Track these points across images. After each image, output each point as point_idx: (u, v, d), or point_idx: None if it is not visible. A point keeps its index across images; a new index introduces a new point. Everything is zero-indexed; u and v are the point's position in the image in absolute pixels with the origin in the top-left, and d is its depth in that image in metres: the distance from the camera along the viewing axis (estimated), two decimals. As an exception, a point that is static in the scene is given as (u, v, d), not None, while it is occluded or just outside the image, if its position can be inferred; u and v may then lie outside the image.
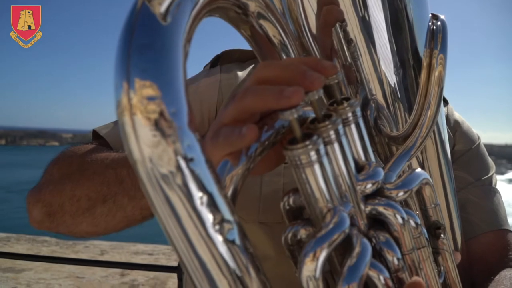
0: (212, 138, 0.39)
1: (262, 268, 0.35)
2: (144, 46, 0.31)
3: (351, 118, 0.41)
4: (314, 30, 0.53)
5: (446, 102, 0.91)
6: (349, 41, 0.52)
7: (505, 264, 0.72)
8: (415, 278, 0.37)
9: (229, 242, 0.32)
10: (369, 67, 0.53)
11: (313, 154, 0.36)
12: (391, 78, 0.54)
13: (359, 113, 0.42)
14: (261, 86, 0.38)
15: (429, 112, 0.52)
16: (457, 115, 0.90)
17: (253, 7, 0.43)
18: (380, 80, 0.53)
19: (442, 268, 0.49)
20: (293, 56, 0.52)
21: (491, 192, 0.81)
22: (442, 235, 0.48)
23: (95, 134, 0.78)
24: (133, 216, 0.62)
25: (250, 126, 0.35)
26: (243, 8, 0.43)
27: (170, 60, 0.31)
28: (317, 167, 0.37)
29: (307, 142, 0.36)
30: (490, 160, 0.86)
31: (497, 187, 0.84)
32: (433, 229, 0.48)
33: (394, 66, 0.53)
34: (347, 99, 0.42)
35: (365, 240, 0.37)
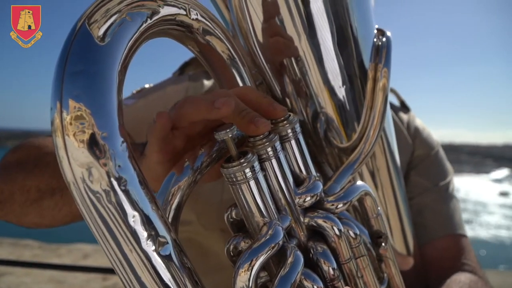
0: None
1: (201, 283, 0.36)
2: (78, 73, 0.32)
3: (290, 135, 0.43)
4: (264, 47, 0.55)
5: (407, 110, 0.94)
6: (297, 57, 0.54)
7: (458, 268, 0.75)
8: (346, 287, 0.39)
9: (163, 257, 0.34)
10: (318, 81, 0.55)
11: (247, 171, 0.38)
12: (339, 91, 0.56)
13: (298, 129, 0.44)
14: (198, 97, 0.40)
15: (374, 124, 0.54)
16: (419, 122, 0.93)
17: (196, 25, 0.44)
18: (329, 94, 0.55)
19: (385, 275, 0.52)
20: (243, 71, 0.53)
21: (448, 197, 0.83)
22: (383, 244, 0.50)
23: None
24: (78, 212, 0.63)
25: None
26: (187, 27, 0.44)
27: (104, 85, 0.32)
28: (252, 183, 0.38)
29: (242, 160, 0.37)
30: (448, 166, 0.89)
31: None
32: (375, 238, 0.50)
33: (342, 80, 0.55)
34: (288, 116, 0.43)
35: (298, 252, 0.39)
